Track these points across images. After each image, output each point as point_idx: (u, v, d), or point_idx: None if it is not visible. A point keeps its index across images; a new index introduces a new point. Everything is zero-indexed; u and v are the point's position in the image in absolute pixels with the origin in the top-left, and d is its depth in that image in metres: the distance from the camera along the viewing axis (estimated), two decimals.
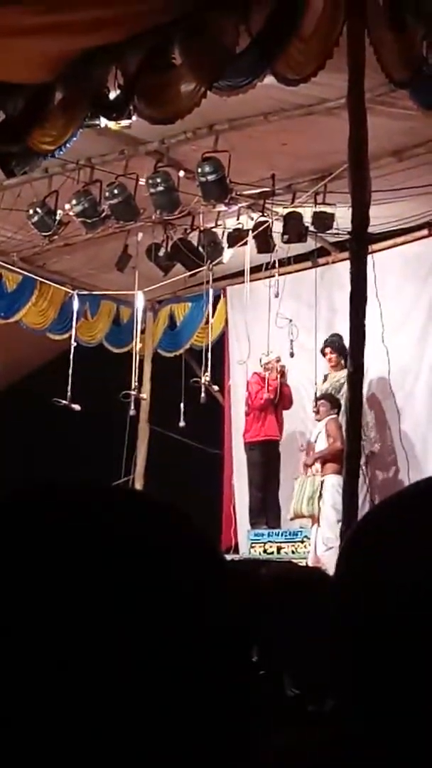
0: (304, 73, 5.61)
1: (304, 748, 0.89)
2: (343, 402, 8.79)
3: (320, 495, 8.64)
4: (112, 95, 6.13)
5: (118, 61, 5.98)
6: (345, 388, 8.93)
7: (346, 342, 8.62)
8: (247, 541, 9.19)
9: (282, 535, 8.99)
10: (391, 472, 9.24)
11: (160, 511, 0.78)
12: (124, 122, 6.53)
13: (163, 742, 0.70)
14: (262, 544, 8.94)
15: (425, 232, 9.40)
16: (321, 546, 8.38)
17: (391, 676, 0.78)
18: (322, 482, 8.66)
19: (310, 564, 7.96)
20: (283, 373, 9.43)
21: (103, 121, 6.51)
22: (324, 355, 9.33)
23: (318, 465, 8.82)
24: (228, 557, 9.02)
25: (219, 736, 0.73)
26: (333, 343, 9.16)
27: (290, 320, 9.41)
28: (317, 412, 9.04)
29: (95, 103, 6.21)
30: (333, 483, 8.42)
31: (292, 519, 8.93)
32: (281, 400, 9.46)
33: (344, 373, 8.95)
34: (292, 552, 8.66)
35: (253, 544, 9.03)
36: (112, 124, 6.54)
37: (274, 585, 2.47)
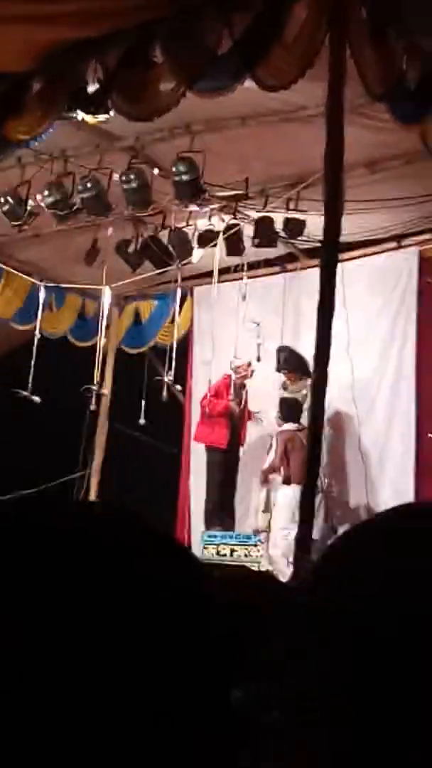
0: (285, 79, 5.62)
1: None
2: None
3: (265, 508, 8.75)
4: (91, 89, 6.09)
5: (99, 55, 5.95)
6: (301, 398, 9.14)
7: (304, 352, 8.78)
8: (201, 542, 9.19)
9: (235, 537, 9.01)
10: (349, 483, 9.28)
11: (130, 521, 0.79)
12: (101, 117, 6.50)
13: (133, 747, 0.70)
14: (216, 546, 8.95)
15: (394, 244, 9.47)
16: (275, 554, 8.45)
17: (364, 688, 0.79)
18: (267, 492, 8.79)
19: (263, 569, 7.99)
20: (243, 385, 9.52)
21: (80, 115, 6.48)
22: (279, 371, 9.40)
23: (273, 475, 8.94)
24: None
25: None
26: (286, 361, 9.21)
27: (258, 324, 9.44)
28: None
29: (73, 96, 6.18)
30: (285, 494, 8.56)
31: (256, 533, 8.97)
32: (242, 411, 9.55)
33: (304, 383, 9.08)
34: (245, 555, 8.69)
35: (206, 545, 9.03)
36: (89, 118, 6.50)
37: (226, 588, 2.49)
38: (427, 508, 0.91)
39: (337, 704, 0.80)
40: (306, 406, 8.95)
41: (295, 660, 0.85)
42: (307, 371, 9.02)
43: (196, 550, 9.27)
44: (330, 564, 0.88)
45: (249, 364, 9.50)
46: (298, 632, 0.86)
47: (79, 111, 6.44)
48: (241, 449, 9.72)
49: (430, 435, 9.12)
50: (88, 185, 8.01)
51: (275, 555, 8.38)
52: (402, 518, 0.88)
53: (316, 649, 0.83)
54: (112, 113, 6.34)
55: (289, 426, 8.91)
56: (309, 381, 9.07)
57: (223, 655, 0.77)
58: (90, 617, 0.71)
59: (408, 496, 8.70)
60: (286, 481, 8.68)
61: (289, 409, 9.00)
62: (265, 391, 9.59)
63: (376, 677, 0.78)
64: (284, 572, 7.70)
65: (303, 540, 4.17)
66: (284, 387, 9.39)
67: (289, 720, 0.83)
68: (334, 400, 8.86)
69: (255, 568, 7.77)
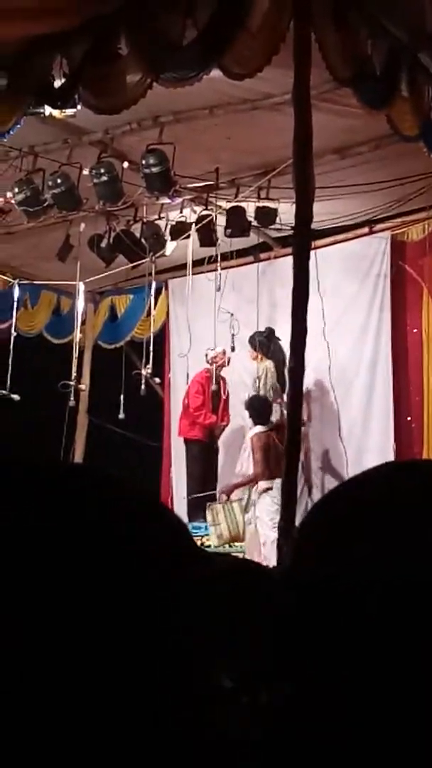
0: (251, 67, 5.61)
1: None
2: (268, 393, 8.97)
3: (245, 511, 8.71)
4: (57, 83, 6.06)
5: (64, 49, 5.92)
6: (265, 378, 9.18)
7: (281, 337, 8.82)
8: None
9: None
10: (329, 468, 9.32)
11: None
12: (69, 111, 6.47)
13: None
14: (200, 537, 8.96)
15: (366, 230, 9.50)
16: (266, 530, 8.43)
17: (341, 665, 0.78)
18: (248, 500, 8.75)
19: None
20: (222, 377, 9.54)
21: (47, 110, 6.44)
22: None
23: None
24: None
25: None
26: (252, 340, 9.26)
27: (231, 314, 9.45)
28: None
29: (40, 91, 6.14)
30: (260, 491, 8.56)
31: (219, 546, 8.87)
32: (221, 401, 9.58)
33: (264, 364, 9.16)
34: (229, 545, 8.70)
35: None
36: (56, 113, 6.47)
37: (215, 574, 2.49)
38: (402, 465, 0.90)
39: (329, 679, 0.80)
40: (263, 384, 9.04)
41: (283, 636, 0.85)
42: (268, 353, 9.12)
43: None
44: (311, 533, 0.87)
45: (224, 352, 9.53)
46: (287, 609, 0.86)
47: (46, 106, 6.41)
48: (220, 439, 9.75)
49: (408, 418, 9.18)
50: (58, 181, 7.98)
51: (267, 537, 8.31)
52: (379, 476, 0.88)
53: (305, 624, 0.82)
54: (79, 107, 6.32)
55: (260, 429, 8.88)
56: (270, 363, 9.17)
57: (202, 614, 0.77)
58: (64, 570, 0.71)
59: None
60: (268, 479, 8.64)
61: (258, 411, 8.97)
62: (241, 380, 9.61)
63: (366, 645, 0.78)
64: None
65: (286, 527, 4.18)
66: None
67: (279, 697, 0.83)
68: (311, 385, 8.92)
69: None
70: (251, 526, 8.61)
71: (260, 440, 8.76)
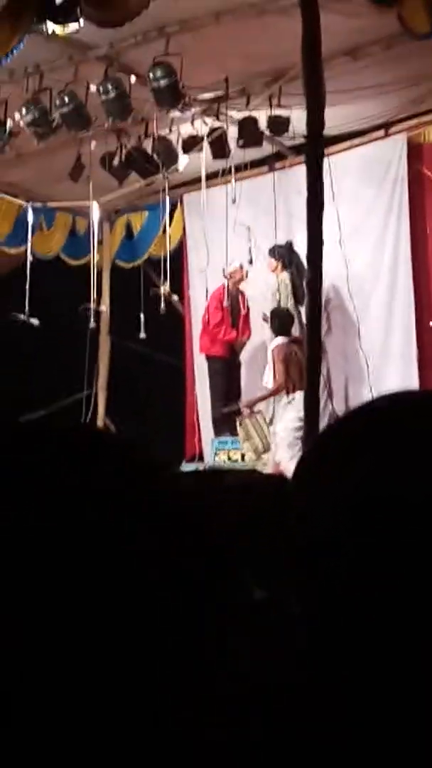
0: None
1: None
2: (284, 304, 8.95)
3: (270, 422, 8.75)
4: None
5: None
6: (281, 289, 9.13)
7: (298, 248, 8.75)
8: (212, 449, 9.28)
9: None
10: (352, 378, 9.30)
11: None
12: (72, 27, 6.33)
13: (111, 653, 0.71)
14: (226, 452, 9.05)
15: (381, 132, 9.31)
16: (282, 452, 8.48)
17: (354, 594, 0.79)
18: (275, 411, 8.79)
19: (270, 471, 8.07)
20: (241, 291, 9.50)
21: (50, 26, 6.31)
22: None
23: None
24: (192, 466, 9.15)
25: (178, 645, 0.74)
26: (274, 247, 9.19)
27: (248, 227, 9.36)
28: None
29: (41, 8, 6.02)
30: (285, 404, 8.58)
31: (257, 459, 8.93)
32: (241, 316, 9.55)
33: (281, 276, 9.10)
34: (256, 459, 8.77)
35: (218, 452, 9.13)
36: (58, 29, 6.34)
37: (238, 493, 2.51)
38: (415, 396, 0.90)
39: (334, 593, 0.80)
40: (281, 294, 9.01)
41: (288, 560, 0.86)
42: (287, 264, 9.07)
43: (208, 457, 9.38)
44: (319, 457, 0.87)
45: (241, 267, 9.46)
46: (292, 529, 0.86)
47: (48, 22, 6.28)
48: (242, 354, 9.74)
49: (431, 323, 9.11)
50: (66, 100, 7.86)
51: (283, 458, 8.38)
52: (390, 404, 0.87)
53: (313, 545, 0.83)
54: (82, 22, 6.18)
55: (282, 339, 8.87)
56: (285, 275, 9.11)
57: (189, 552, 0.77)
58: (59, 546, 0.71)
59: (413, 386, 8.72)
60: (291, 390, 8.66)
61: (280, 322, 8.95)
62: (261, 294, 9.55)
63: (371, 561, 0.78)
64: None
65: (310, 440, 4.20)
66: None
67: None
68: (330, 294, 8.86)
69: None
70: (276, 437, 8.67)
71: (281, 351, 8.76)
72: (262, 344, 9.52)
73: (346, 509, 0.79)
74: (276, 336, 8.95)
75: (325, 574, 0.80)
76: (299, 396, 8.06)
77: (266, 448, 8.78)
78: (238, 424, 8.96)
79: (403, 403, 0.87)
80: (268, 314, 9.17)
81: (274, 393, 8.81)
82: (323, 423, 5.35)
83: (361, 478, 0.79)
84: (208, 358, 9.71)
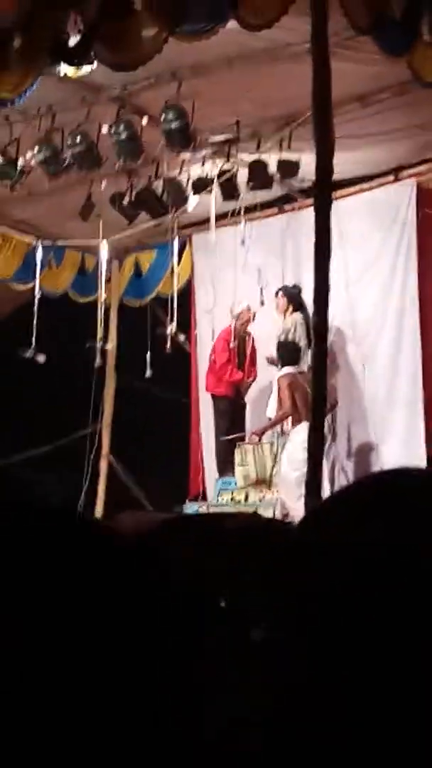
0: (268, 17, 5.52)
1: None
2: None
3: (275, 457, 8.74)
4: (72, 41, 6.00)
5: (78, 6, 5.85)
6: (297, 329, 9.16)
7: (305, 293, 8.79)
8: (216, 489, 9.25)
9: None
10: (355, 421, 9.28)
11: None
12: (85, 69, 6.41)
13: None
14: (230, 492, 9.01)
15: (390, 178, 9.37)
16: (285, 491, 8.46)
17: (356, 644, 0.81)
18: (279, 444, 8.77)
19: (277, 515, 8.04)
20: (248, 333, 9.54)
21: (64, 68, 6.38)
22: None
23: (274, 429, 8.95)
24: (196, 505, 9.12)
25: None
26: (285, 288, 9.26)
27: (259, 270, 9.42)
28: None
29: (55, 50, 6.08)
30: (296, 432, 8.54)
31: (245, 487, 8.92)
32: (247, 357, 9.58)
33: (293, 317, 9.14)
34: (259, 500, 8.73)
35: (221, 492, 9.10)
36: (71, 71, 6.41)
37: (238, 539, 2.51)
38: (419, 473, 0.93)
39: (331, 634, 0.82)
40: (303, 343, 9.01)
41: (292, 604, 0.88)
42: (298, 306, 9.11)
43: (211, 497, 9.34)
44: (328, 515, 0.90)
45: (249, 308, 9.50)
46: (296, 572, 0.89)
47: (62, 64, 6.35)
48: (248, 395, 9.76)
49: None
50: (78, 140, 7.94)
51: (288, 498, 8.35)
52: (395, 478, 0.91)
53: (314, 591, 0.85)
54: (95, 65, 6.25)
55: (289, 369, 8.90)
56: (299, 316, 9.15)
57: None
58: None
59: (418, 433, 8.71)
60: (297, 422, 8.65)
61: (288, 353, 8.99)
62: (270, 335, 9.57)
63: (374, 611, 0.81)
64: (297, 514, 7.74)
65: (312, 482, 4.18)
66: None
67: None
68: (336, 337, 8.87)
69: (269, 513, 7.81)
70: (280, 473, 8.67)
71: (287, 379, 8.80)
72: (268, 385, 9.53)
73: (358, 566, 0.83)
74: (282, 367, 8.98)
75: (329, 623, 0.83)
76: (303, 434, 8.08)
77: (260, 480, 8.79)
78: (236, 447, 8.99)
79: (407, 478, 0.92)
80: (274, 356, 9.19)
81: (281, 420, 8.83)
82: (325, 463, 5.35)
83: (372, 540, 0.84)
84: (214, 397, 9.74)
